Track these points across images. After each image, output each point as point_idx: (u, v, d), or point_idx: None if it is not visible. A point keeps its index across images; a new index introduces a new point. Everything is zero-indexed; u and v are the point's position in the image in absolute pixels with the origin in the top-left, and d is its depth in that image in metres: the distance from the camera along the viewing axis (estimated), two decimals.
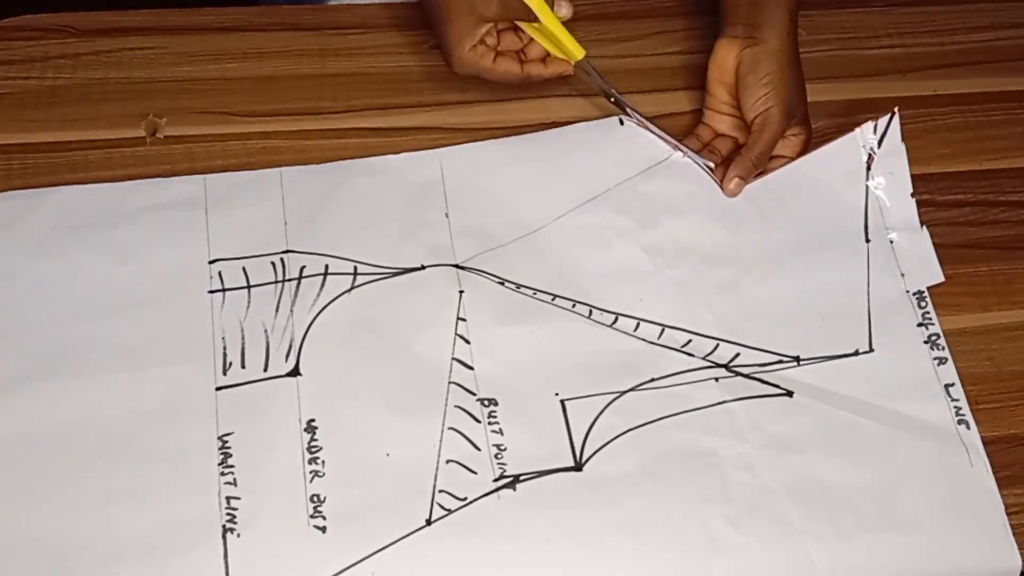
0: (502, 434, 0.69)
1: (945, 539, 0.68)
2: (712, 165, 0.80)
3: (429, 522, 0.66)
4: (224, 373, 0.70)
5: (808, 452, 0.70)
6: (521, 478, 0.68)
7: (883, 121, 0.79)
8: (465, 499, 0.67)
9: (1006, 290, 0.80)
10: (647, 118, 0.81)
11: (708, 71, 0.82)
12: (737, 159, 0.79)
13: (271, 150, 0.81)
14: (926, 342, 0.74)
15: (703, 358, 0.73)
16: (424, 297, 0.74)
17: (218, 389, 0.70)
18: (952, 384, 0.73)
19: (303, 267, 0.75)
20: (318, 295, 0.74)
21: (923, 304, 0.76)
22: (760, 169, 0.80)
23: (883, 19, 0.94)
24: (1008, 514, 0.69)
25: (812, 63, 0.89)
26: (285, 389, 0.70)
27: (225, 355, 0.71)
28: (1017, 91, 0.91)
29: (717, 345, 0.74)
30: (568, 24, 0.80)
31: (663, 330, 0.74)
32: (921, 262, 0.77)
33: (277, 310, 0.73)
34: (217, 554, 0.64)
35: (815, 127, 0.84)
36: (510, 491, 0.68)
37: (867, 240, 0.78)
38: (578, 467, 0.69)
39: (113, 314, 0.72)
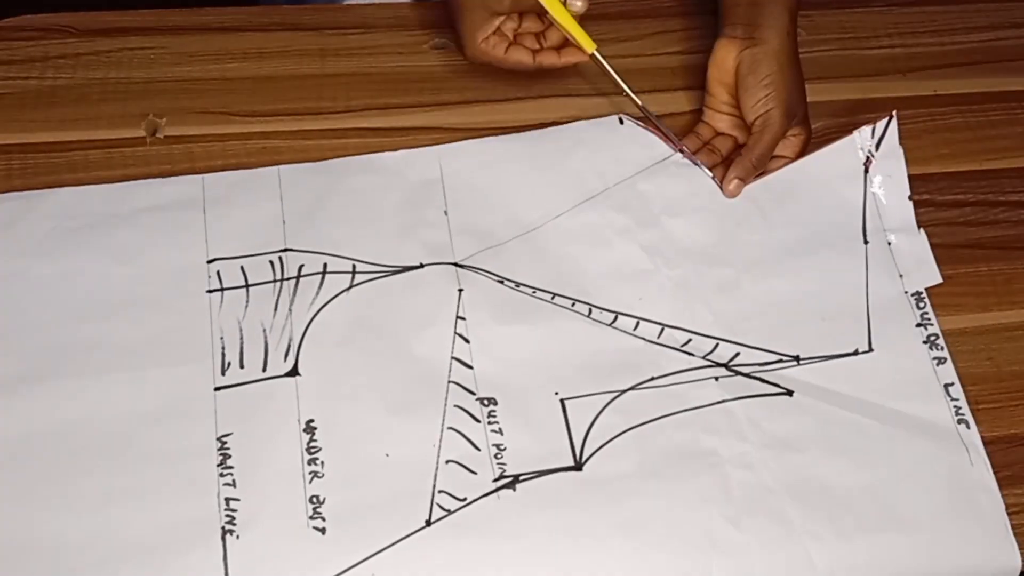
0: (502, 434, 0.69)
1: (945, 539, 0.68)
2: (712, 175, 0.80)
3: (429, 523, 0.66)
4: (223, 373, 0.70)
5: (808, 451, 0.70)
6: (521, 478, 0.68)
7: (881, 124, 0.79)
8: (465, 499, 0.67)
9: (1006, 290, 0.80)
10: (656, 116, 0.81)
11: (708, 71, 0.82)
12: (737, 160, 0.79)
13: (271, 150, 0.81)
14: (925, 342, 0.75)
15: (703, 357, 0.73)
16: (423, 296, 0.74)
17: (217, 389, 0.70)
18: (951, 384, 0.73)
19: (301, 266, 0.75)
20: (317, 294, 0.74)
21: (922, 305, 0.76)
22: (760, 170, 0.80)
23: (883, 19, 0.94)
24: (1009, 514, 0.69)
25: (812, 63, 0.89)
26: (284, 389, 0.70)
27: (224, 355, 0.71)
28: (1017, 91, 0.91)
29: (717, 344, 0.74)
30: (580, 19, 0.80)
31: (663, 329, 0.74)
32: (919, 263, 0.78)
33: (276, 309, 0.73)
34: (216, 555, 0.64)
35: (816, 127, 0.84)
36: (510, 491, 0.67)
37: (865, 241, 0.78)
38: (578, 467, 0.69)
39: (112, 315, 0.72)
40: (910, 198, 0.79)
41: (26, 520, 0.65)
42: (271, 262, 0.75)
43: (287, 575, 0.64)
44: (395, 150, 0.81)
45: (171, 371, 0.70)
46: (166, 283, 0.73)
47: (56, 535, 0.64)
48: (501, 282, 0.75)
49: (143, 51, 0.86)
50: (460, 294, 0.74)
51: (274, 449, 0.68)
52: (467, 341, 0.73)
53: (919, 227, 0.79)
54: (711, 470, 0.69)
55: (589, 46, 0.80)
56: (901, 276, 0.77)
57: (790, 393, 0.72)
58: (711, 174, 0.80)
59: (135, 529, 0.65)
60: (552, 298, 0.75)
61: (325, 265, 0.75)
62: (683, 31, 0.91)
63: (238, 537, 0.65)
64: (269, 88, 0.84)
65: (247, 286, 0.74)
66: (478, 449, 0.69)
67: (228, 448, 0.68)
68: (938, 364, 0.74)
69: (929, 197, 0.83)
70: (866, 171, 0.80)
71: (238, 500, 0.66)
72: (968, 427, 0.72)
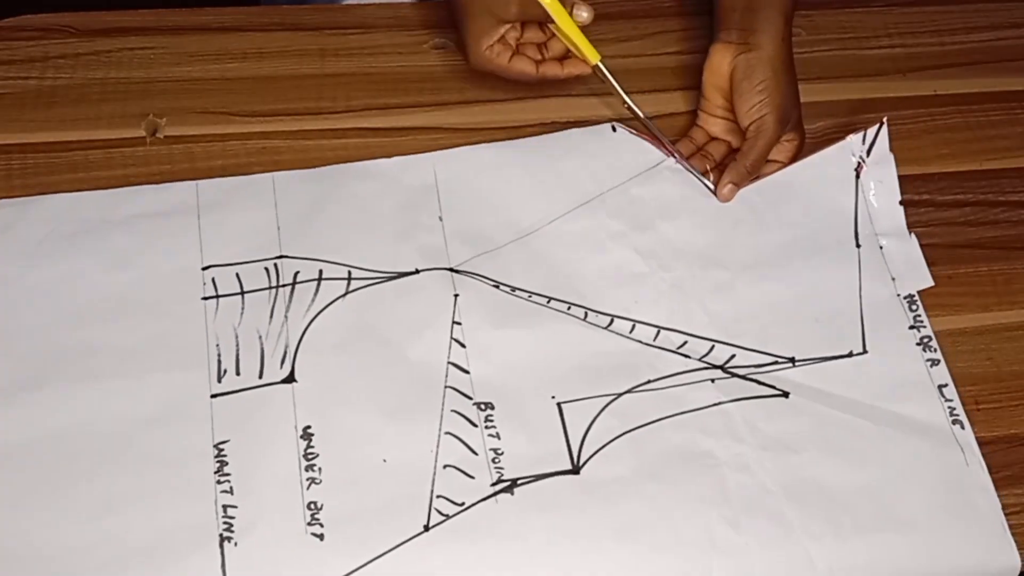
0: (499, 438, 0.69)
1: (943, 539, 0.68)
2: (710, 184, 0.80)
3: (427, 528, 0.66)
4: (219, 380, 0.70)
5: (805, 452, 0.70)
6: (519, 482, 0.68)
7: (872, 130, 0.80)
8: (463, 504, 0.67)
9: (1006, 290, 0.80)
10: (656, 125, 0.81)
11: (703, 75, 0.82)
12: (731, 165, 0.79)
13: (271, 150, 0.81)
14: (918, 344, 0.75)
15: (699, 359, 0.73)
16: (419, 301, 0.74)
17: (213, 396, 0.69)
18: (945, 385, 0.73)
19: (297, 272, 0.74)
20: (312, 300, 0.73)
21: (914, 307, 0.76)
22: (754, 176, 0.80)
23: (883, 19, 0.94)
24: (1008, 514, 0.69)
25: (812, 63, 0.89)
26: (280, 396, 0.70)
27: (220, 362, 0.71)
28: (1017, 91, 0.91)
29: (713, 347, 0.74)
30: (585, 26, 0.80)
31: (659, 332, 0.74)
32: (910, 267, 0.78)
33: (271, 316, 0.73)
34: (214, 563, 0.64)
35: (815, 127, 0.84)
36: (508, 495, 0.67)
37: (858, 245, 0.78)
38: (575, 470, 0.69)
39: (107, 321, 0.72)
40: (901, 203, 0.79)
41: (22, 527, 0.64)
42: (266, 269, 0.74)
43: None
44: (395, 150, 0.81)
45: (167, 377, 0.70)
46: (161, 289, 0.73)
47: (52, 542, 0.64)
48: (496, 287, 0.75)
49: (143, 51, 0.86)
50: (456, 299, 0.74)
51: (271, 456, 0.68)
52: (463, 346, 0.72)
53: (910, 231, 0.79)
54: (709, 472, 0.69)
55: (593, 57, 0.80)
56: (893, 279, 0.77)
57: (786, 394, 0.72)
58: (707, 180, 0.80)
59: (132, 536, 0.64)
60: (548, 302, 0.75)
61: (321, 272, 0.75)
62: (683, 31, 0.91)
63: (236, 544, 0.64)
64: (269, 88, 0.84)
65: (242, 293, 0.73)
66: (475, 453, 0.69)
67: (225, 455, 0.67)
68: (931, 366, 0.74)
69: (929, 197, 0.83)
70: (857, 176, 0.80)
71: (235, 507, 0.65)
72: (963, 427, 0.72)
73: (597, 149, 0.82)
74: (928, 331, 0.75)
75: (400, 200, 0.78)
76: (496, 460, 0.68)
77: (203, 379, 0.70)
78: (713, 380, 0.73)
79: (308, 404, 0.69)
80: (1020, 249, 0.82)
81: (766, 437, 0.70)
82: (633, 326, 0.74)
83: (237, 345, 0.71)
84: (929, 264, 0.79)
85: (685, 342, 0.74)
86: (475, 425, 0.70)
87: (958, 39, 0.94)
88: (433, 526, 0.66)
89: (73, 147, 0.80)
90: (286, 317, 0.73)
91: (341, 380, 0.71)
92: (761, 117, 0.78)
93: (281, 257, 0.75)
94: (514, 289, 0.75)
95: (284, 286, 0.74)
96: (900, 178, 0.81)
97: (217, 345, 0.71)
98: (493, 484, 0.68)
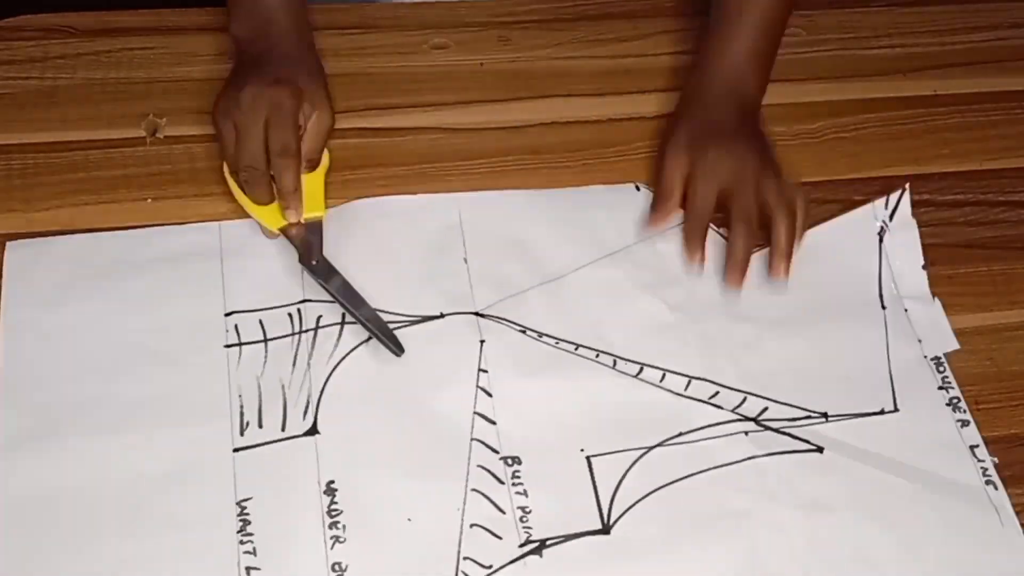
0: (527, 495, 0.67)
1: None
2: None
3: None
4: (241, 433, 0.67)
5: (839, 511, 0.68)
6: (548, 543, 0.65)
7: (895, 195, 0.79)
8: (491, 567, 0.64)
9: (1006, 290, 0.80)
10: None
11: (662, 171, 0.79)
12: (770, 259, 0.77)
13: None
14: (948, 404, 0.73)
15: (731, 411, 0.72)
16: (444, 347, 0.72)
17: (236, 451, 0.67)
18: (977, 446, 0.72)
19: (319, 317, 0.72)
20: (336, 346, 0.71)
21: (941, 369, 0.75)
22: (792, 250, 0.77)
23: (883, 19, 0.95)
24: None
25: (812, 63, 0.89)
26: (303, 449, 0.67)
27: (242, 414, 0.68)
28: (1017, 91, 0.91)
29: (745, 398, 0.72)
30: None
31: (690, 381, 0.72)
32: (935, 331, 0.76)
33: (294, 364, 0.70)
34: None
35: (815, 127, 0.85)
36: (536, 557, 0.65)
37: (883, 307, 0.77)
38: (606, 530, 0.66)
39: (126, 370, 0.69)
40: (924, 267, 0.79)
41: None
42: (289, 314, 0.72)
43: None
44: (395, 150, 0.81)
45: (189, 431, 0.67)
46: (183, 337, 0.71)
47: None
48: (524, 332, 0.73)
49: (143, 51, 0.86)
50: (482, 345, 0.72)
51: (294, 514, 0.65)
52: (489, 395, 0.70)
53: (933, 296, 0.78)
54: (742, 533, 0.66)
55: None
56: (920, 341, 0.76)
57: (820, 450, 0.71)
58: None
59: None
60: (576, 349, 0.73)
61: (344, 316, 0.72)
62: (683, 31, 0.91)
63: None
64: None
65: (265, 340, 0.71)
66: (503, 512, 0.66)
67: (248, 514, 0.64)
68: (962, 427, 0.73)
69: (929, 197, 0.83)
70: (880, 240, 0.79)
71: (259, 569, 0.63)
72: (996, 488, 0.70)
73: (622, 204, 0.80)
74: (956, 392, 0.74)
75: (423, 240, 0.77)
76: (524, 519, 0.66)
77: (225, 432, 0.67)
78: (747, 433, 0.71)
79: (331, 457, 0.67)
80: (1020, 249, 0.82)
81: (801, 496, 0.68)
82: (663, 375, 0.73)
83: (260, 396, 0.69)
84: (929, 264, 0.79)
85: (717, 392, 0.72)
86: (502, 482, 0.67)
87: (958, 39, 0.94)
88: None
89: (73, 147, 0.80)
90: (309, 364, 0.71)
91: (364, 432, 0.68)
92: (763, 210, 0.76)
93: (304, 301, 0.73)
94: (541, 335, 0.74)
95: (307, 331, 0.72)
96: (900, 178, 0.81)
97: (240, 396, 0.69)
98: (521, 545, 0.65)
